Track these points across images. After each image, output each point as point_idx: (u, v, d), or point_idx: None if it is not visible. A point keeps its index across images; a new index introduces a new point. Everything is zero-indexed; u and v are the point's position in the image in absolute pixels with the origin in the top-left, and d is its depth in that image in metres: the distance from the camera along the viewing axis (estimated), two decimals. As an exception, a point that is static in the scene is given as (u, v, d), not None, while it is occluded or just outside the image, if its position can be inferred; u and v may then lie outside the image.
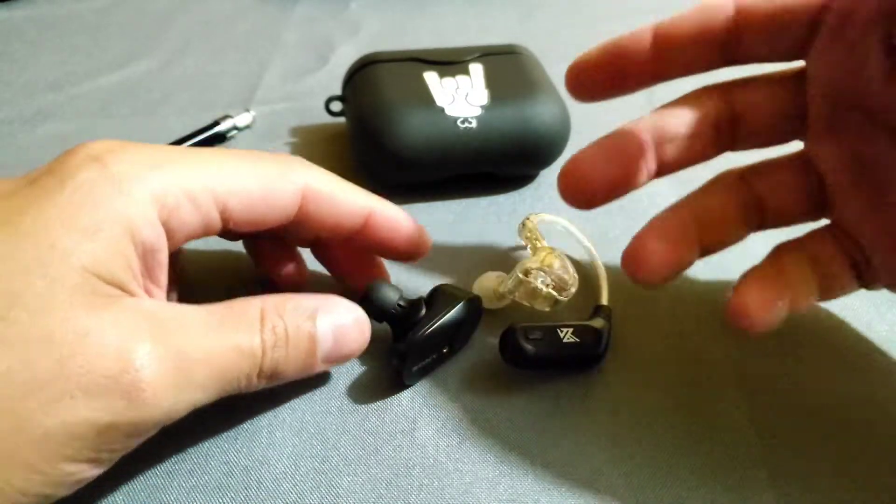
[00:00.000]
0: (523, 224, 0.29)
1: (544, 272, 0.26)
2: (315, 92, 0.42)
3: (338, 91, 0.36)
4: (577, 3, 0.55)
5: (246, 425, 0.23)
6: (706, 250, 0.25)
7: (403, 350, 0.24)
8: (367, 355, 0.25)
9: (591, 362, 0.26)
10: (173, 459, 0.22)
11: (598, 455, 0.23)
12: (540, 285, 0.26)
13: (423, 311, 0.24)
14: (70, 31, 0.48)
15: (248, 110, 0.39)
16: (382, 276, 0.27)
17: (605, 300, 0.27)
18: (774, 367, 0.26)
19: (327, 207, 0.23)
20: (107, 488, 0.21)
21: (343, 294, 0.23)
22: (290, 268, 0.27)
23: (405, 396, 0.25)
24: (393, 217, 0.25)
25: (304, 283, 0.27)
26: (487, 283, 0.27)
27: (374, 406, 0.24)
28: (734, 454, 0.23)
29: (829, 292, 0.25)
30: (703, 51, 0.24)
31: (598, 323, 0.26)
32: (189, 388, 0.19)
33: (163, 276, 0.20)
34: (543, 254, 0.27)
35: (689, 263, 0.24)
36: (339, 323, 0.22)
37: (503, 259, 0.31)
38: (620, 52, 0.24)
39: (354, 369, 0.26)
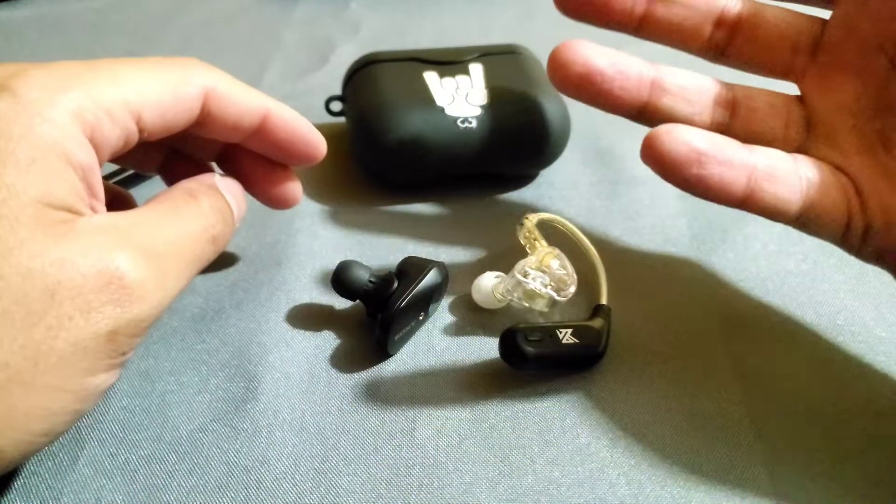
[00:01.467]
0: (522, 224, 0.29)
1: (542, 272, 0.26)
2: (315, 92, 0.42)
3: (338, 91, 0.36)
4: (578, 2, 0.55)
5: (246, 425, 0.23)
6: None
7: (386, 321, 0.24)
8: (344, 331, 0.27)
9: (590, 362, 0.26)
10: (173, 459, 0.22)
11: (598, 455, 0.23)
12: (538, 286, 0.26)
13: (396, 284, 0.25)
14: (70, 32, 0.48)
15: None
16: (294, 184, 0.28)
17: (604, 299, 0.27)
18: (774, 367, 0.26)
19: (227, 105, 0.23)
20: (107, 488, 0.22)
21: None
22: (287, 187, 0.28)
23: (405, 396, 0.25)
24: (288, 117, 0.26)
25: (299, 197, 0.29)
26: (486, 284, 0.27)
27: (373, 405, 0.24)
28: (734, 454, 0.23)
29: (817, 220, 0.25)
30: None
31: (597, 323, 0.26)
32: (169, 278, 0.20)
33: (101, 191, 0.21)
34: (542, 254, 0.27)
35: None
36: (231, 188, 0.25)
37: (503, 259, 0.31)
38: None
39: (336, 344, 0.26)
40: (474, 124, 0.32)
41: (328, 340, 0.27)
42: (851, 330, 0.28)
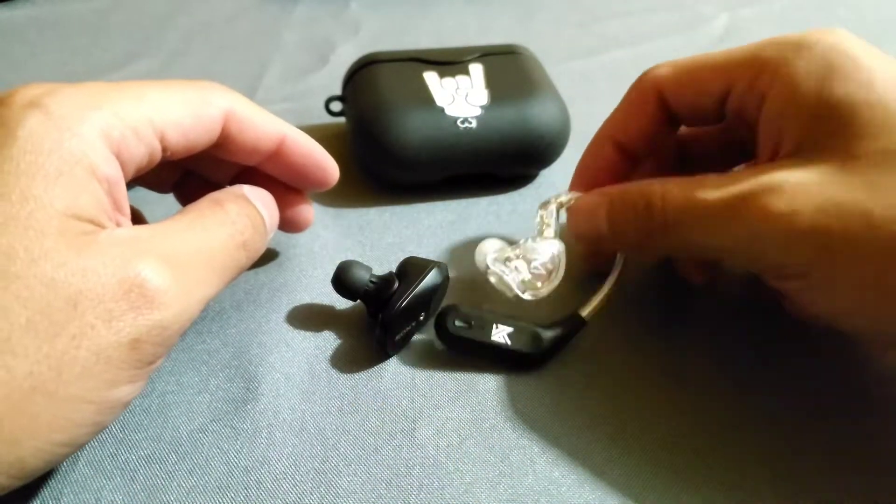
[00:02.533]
0: (543, 205, 0.28)
1: (519, 264, 0.26)
2: (315, 92, 0.42)
3: (338, 91, 0.36)
4: (577, 3, 0.55)
5: (246, 426, 0.23)
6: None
7: (387, 321, 0.24)
8: (344, 332, 0.27)
9: (521, 365, 0.26)
10: (173, 460, 0.22)
11: (598, 455, 0.23)
12: (506, 278, 0.26)
13: (397, 285, 0.25)
14: (70, 32, 0.48)
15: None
16: (304, 207, 0.29)
17: (585, 312, 0.26)
18: (775, 367, 0.26)
19: (246, 128, 0.24)
20: (107, 488, 0.22)
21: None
22: (300, 210, 0.29)
23: (405, 397, 0.25)
24: (304, 142, 0.26)
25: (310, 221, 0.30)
26: (484, 249, 0.27)
27: (373, 405, 0.24)
28: (734, 454, 0.23)
29: None
30: (651, 128, 0.27)
31: (551, 332, 0.26)
32: (194, 285, 0.20)
33: (126, 205, 0.21)
34: (539, 244, 0.27)
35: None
36: (261, 197, 0.25)
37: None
38: (594, 166, 0.29)
39: (336, 345, 0.26)
40: (474, 124, 0.32)
41: (328, 341, 0.27)
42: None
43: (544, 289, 0.26)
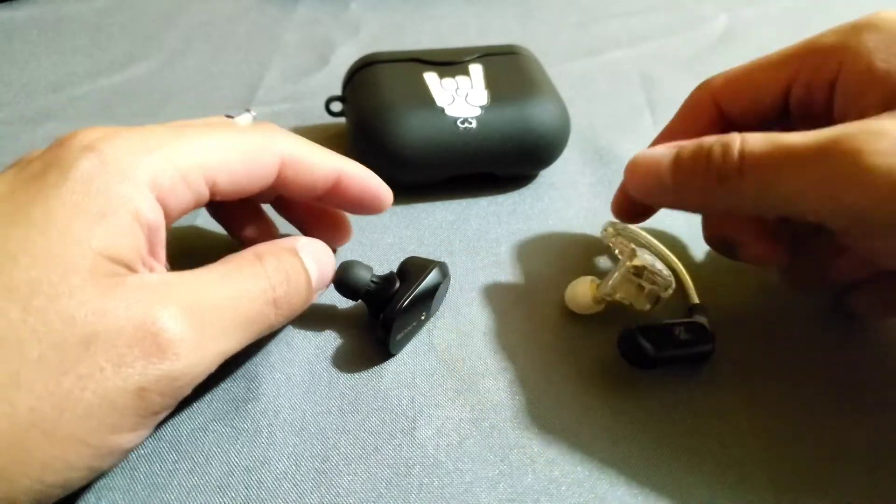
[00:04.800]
0: (608, 231, 0.29)
1: (642, 273, 0.26)
2: (315, 92, 0.42)
3: (338, 91, 0.36)
4: (577, 3, 0.55)
5: (246, 425, 0.24)
6: None
7: (389, 320, 0.24)
8: (345, 331, 0.27)
9: (702, 359, 0.26)
10: (173, 459, 0.22)
11: (598, 455, 0.23)
12: (644, 283, 0.26)
13: (398, 284, 0.25)
14: (71, 32, 0.48)
15: (248, 111, 0.39)
16: (344, 226, 0.29)
17: (695, 299, 0.28)
18: (775, 368, 0.26)
19: (303, 171, 0.24)
20: (107, 487, 0.22)
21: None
22: (258, 228, 0.29)
23: (405, 396, 0.25)
24: (360, 175, 0.26)
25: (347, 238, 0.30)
26: (583, 289, 0.27)
27: (373, 405, 0.24)
28: (734, 454, 0.23)
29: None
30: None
31: (701, 320, 0.26)
32: (212, 338, 0.20)
33: (162, 252, 0.21)
34: (638, 254, 0.26)
35: None
36: (314, 252, 0.24)
37: (503, 259, 0.31)
38: (648, 177, 0.25)
39: (336, 344, 0.26)
40: (474, 125, 0.32)
41: (329, 340, 0.27)
42: (852, 333, 0.28)
43: (672, 286, 0.27)
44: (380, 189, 0.27)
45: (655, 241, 0.30)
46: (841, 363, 0.26)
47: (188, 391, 0.20)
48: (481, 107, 0.33)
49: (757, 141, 0.21)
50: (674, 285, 0.26)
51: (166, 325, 0.18)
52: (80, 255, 0.18)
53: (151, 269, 0.20)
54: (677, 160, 0.23)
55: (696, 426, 0.24)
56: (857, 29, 0.22)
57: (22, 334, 0.17)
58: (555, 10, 0.54)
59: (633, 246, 0.28)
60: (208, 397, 0.24)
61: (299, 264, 0.23)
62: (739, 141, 0.21)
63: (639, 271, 0.26)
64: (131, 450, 0.19)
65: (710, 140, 0.22)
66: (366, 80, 0.34)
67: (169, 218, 0.21)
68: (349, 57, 0.40)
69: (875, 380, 0.26)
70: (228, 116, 0.38)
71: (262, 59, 0.46)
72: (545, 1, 0.55)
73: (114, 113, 0.40)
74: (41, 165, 0.19)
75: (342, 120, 0.37)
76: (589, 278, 0.27)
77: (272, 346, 0.26)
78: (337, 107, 0.37)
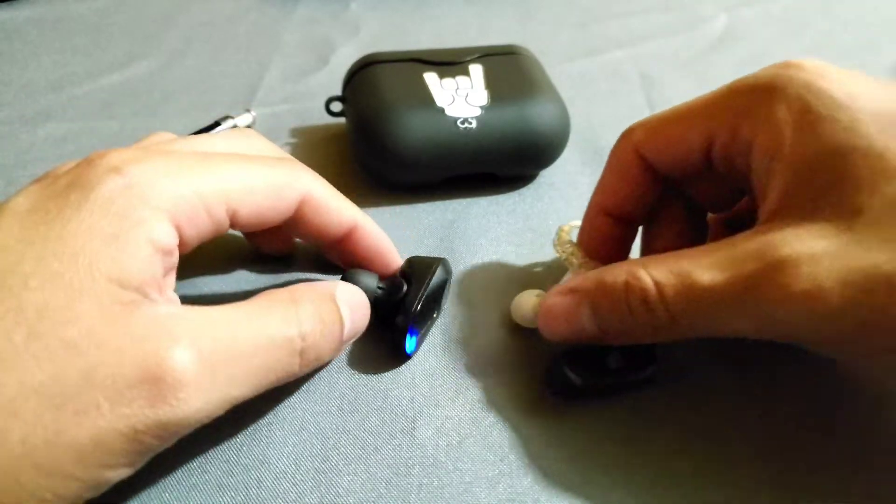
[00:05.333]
0: (557, 236, 0.28)
1: None
2: (315, 92, 0.42)
3: (338, 91, 0.37)
4: (577, 3, 0.55)
5: (246, 424, 0.24)
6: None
7: (407, 324, 0.24)
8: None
9: (641, 386, 0.25)
10: (173, 458, 0.22)
11: (598, 455, 0.23)
12: None
13: (405, 287, 0.25)
14: (71, 32, 0.48)
15: (248, 111, 0.39)
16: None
17: None
18: (775, 369, 0.26)
19: (321, 213, 0.24)
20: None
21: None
22: (278, 239, 0.29)
23: (405, 396, 0.25)
24: (373, 232, 0.26)
25: (293, 252, 0.30)
26: (527, 302, 0.26)
27: (373, 405, 0.24)
28: (734, 454, 0.23)
29: None
30: (640, 191, 0.26)
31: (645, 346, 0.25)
32: (223, 384, 0.19)
33: (173, 278, 0.21)
34: (583, 269, 0.26)
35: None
36: (351, 300, 0.23)
37: (503, 259, 0.31)
38: (592, 240, 0.27)
39: (347, 350, 0.26)
40: (474, 125, 0.32)
41: (328, 340, 0.27)
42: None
43: None
44: (390, 250, 0.27)
45: None
46: (802, 385, 0.26)
47: (186, 433, 0.19)
48: (481, 107, 0.33)
49: (673, 287, 0.20)
50: None
51: (173, 366, 0.17)
52: (88, 279, 0.17)
53: (165, 297, 0.20)
54: (598, 316, 0.22)
55: (695, 426, 0.24)
56: (768, 92, 0.21)
57: (24, 359, 0.16)
58: (555, 10, 0.54)
59: (576, 260, 0.26)
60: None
61: (336, 312, 0.22)
62: (655, 292, 0.21)
63: None
64: (119, 480, 0.18)
65: (619, 289, 0.22)
66: (366, 80, 0.34)
67: (184, 245, 0.21)
68: (349, 57, 0.40)
69: (782, 383, 0.26)
70: (228, 117, 0.38)
71: (262, 59, 0.46)
72: (545, 1, 0.55)
73: (114, 113, 0.40)
74: (66, 184, 0.19)
75: (342, 120, 0.37)
76: (535, 291, 0.27)
77: (272, 346, 0.26)
78: (337, 107, 0.37)
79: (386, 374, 0.26)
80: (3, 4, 0.50)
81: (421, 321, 0.25)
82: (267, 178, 0.22)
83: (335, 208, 0.25)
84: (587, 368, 0.23)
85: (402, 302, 0.25)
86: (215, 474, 0.22)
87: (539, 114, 0.33)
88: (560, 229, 0.28)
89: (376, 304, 0.25)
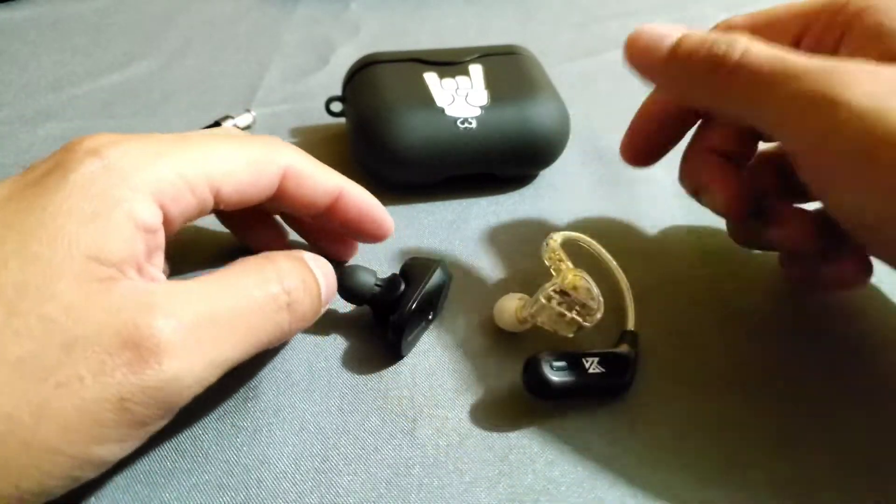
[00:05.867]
0: (546, 244, 0.27)
1: (569, 296, 0.25)
2: (315, 92, 0.42)
3: (338, 91, 0.37)
4: (577, 3, 0.55)
5: (246, 424, 0.24)
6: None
7: (400, 323, 0.24)
8: (346, 331, 0.27)
9: (617, 392, 0.25)
10: (173, 458, 0.22)
11: (597, 455, 0.23)
12: (564, 311, 0.25)
13: (403, 286, 0.25)
14: (71, 32, 0.48)
15: (248, 111, 0.39)
16: (351, 241, 0.29)
17: (631, 325, 0.27)
18: (776, 372, 0.26)
19: (303, 185, 0.24)
20: (107, 487, 0.22)
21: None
22: (269, 235, 0.29)
23: (405, 397, 0.25)
24: (360, 197, 0.26)
25: (285, 248, 0.29)
26: (509, 306, 0.26)
27: (373, 405, 0.24)
28: (734, 454, 0.23)
29: None
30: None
31: (624, 349, 0.25)
32: (207, 346, 0.19)
33: (160, 259, 0.21)
34: (569, 276, 0.25)
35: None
36: (320, 263, 0.24)
37: (502, 258, 0.31)
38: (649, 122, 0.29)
39: (337, 344, 0.26)
40: (474, 125, 0.32)
41: (329, 340, 0.27)
42: (850, 336, 0.28)
43: (598, 313, 0.25)
44: (381, 213, 0.27)
45: (607, 257, 0.29)
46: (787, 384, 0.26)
47: (181, 403, 0.19)
48: (481, 107, 0.33)
49: (762, 48, 0.22)
50: (600, 314, 0.25)
51: (151, 332, 0.17)
52: (68, 257, 0.18)
53: (148, 276, 0.20)
54: (681, 40, 0.24)
55: (693, 426, 0.24)
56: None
57: (4, 336, 0.17)
58: (555, 10, 0.54)
59: (563, 266, 0.26)
60: (208, 395, 0.24)
61: (310, 272, 0.23)
62: (745, 41, 0.22)
63: (562, 297, 0.25)
64: (115, 460, 0.19)
65: (719, 33, 0.23)
66: (366, 80, 0.34)
67: (170, 224, 0.21)
68: (349, 57, 0.40)
69: (783, 384, 0.26)
70: (228, 117, 0.38)
71: (262, 59, 0.46)
72: (545, 1, 0.55)
73: (113, 112, 0.40)
74: (44, 169, 0.19)
75: (342, 120, 0.37)
76: (518, 295, 0.27)
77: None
78: (337, 107, 0.37)
79: (386, 374, 0.26)
80: (3, 4, 0.50)
81: (415, 320, 0.25)
82: (247, 154, 0.22)
83: (318, 177, 0.25)
84: (564, 369, 0.23)
85: (399, 300, 0.25)
86: (215, 474, 0.22)
87: (539, 114, 0.33)
88: (549, 237, 0.27)
89: (373, 301, 0.26)
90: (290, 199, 0.24)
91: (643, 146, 0.29)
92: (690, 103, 0.27)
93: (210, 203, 0.22)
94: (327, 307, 0.24)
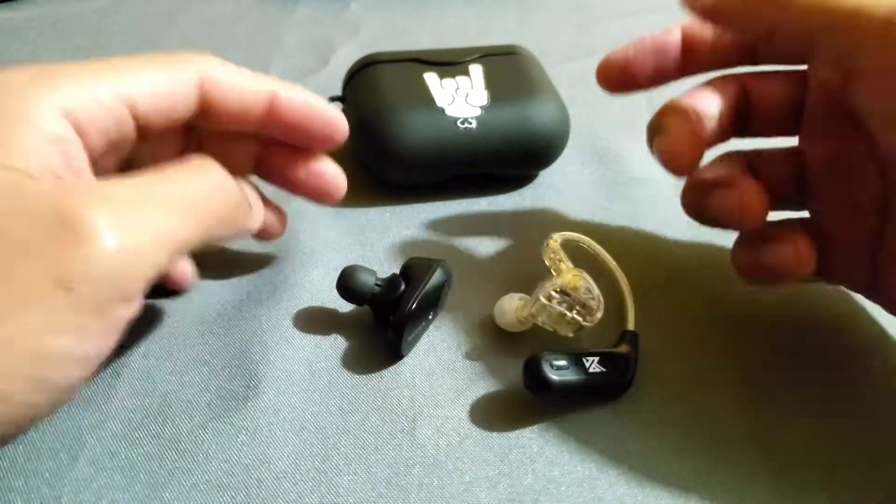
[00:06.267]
0: (546, 244, 0.27)
1: (569, 296, 0.25)
2: (315, 92, 0.42)
3: (338, 91, 0.37)
4: (577, 3, 0.55)
5: (246, 423, 0.24)
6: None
7: (400, 323, 0.24)
8: (346, 331, 0.27)
9: (617, 392, 0.25)
10: (173, 458, 0.22)
11: (597, 454, 0.23)
12: (564, 310, 0.25)
13: (403, 286, 0.25)
14: (71, 32, 0.48)
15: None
16: (331, 181, 0.28)
17: (631, 325, 0.27)
18: (777, 373, 0.26)
19: (227, 91, 0.23)
20: (108, 486, 0.22)
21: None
22: (270, 216, 0.28)
23: (405, 396, 0.25)
24: (298, 97, 0.25)
25: (284, 230, 0.29)
26: (509, 306, 0.26)
27: (373, 405, 0.24)
28: (734, 454, 0.23)
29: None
30: (729, 52, 0.26)
31: (624, 349, 0.25)
32: (145, 224, 0.18)
33: (84, 169, 0.20)
34: (568, 276, 0.25)
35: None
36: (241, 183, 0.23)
37: (502, 258, 0.31)
38: (653, 48, 0.27)
39: (337, 344, 0.26)
40: (474, 125, 0.32)
41: (329, 339, 0.27)
42: (851, 338, 0.28)
43: (598, 312, 0.25)
44: (324, 109, 0.26)
45: (607, 257, 0.29)
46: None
47: (136, 283, 0.18)
48: (481, 107, 0.33)
49: None
50: (600, 314, 0.25)
51: (79, 209, 0.17)
52: None
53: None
54: None
55: (694, 426, 0.24)
56: None
57: None
58: (555, 10, 0.54)
59: (563, 265, 0.26)
60: (208, 395, 0.24)
61: (228, 176, 0.22)
62: None
63: (562, 296, 0.25)
64: (80, 372, 0.17)
65: None
66: (366, 80, 0.34)
67: (91, 140, 0.20)
68: (349, 57, 0.40)
69: (783, 385, 0.26)
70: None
71: (262, 59, 0.46)
72: (545, 1, 0.55)
73: (114, 113, 0.40)
74: None
75: (342, 120, 0.37)
76: (518, 295, 0.27)
77: (272, 345, 0.26)
78: (337, 107, 0.37)
79: (386, 374, 0.26)
80: (3, 4, 0.50)
81: (416, 320, 0.25)
82: (156, 65, 0.22)
83: (243, 83, 0.24)
84: (564, 368, 0.23)
85: (399, 300, 0.25)
86: (215, 474, 0.22)
87: (539, 114, 0.33)
88: (549, 237, 0.28)
89: (373, 301, 0.26)
90: (217, 110, 0.23)
91: (640, 73, 0.27)
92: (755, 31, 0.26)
93: (127, 118, 0.21)
94: (257, 222, 0.24)
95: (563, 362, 0.23)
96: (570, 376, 0.23)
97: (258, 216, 0.25)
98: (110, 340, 0.18)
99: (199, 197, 0.21)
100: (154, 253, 0.18)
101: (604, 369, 0.24)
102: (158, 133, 0.23)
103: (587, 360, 0.24)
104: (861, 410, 0.25)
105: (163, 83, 0.22)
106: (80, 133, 0.20)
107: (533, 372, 0.23)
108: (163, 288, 0.27)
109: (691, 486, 0.22)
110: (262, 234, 0.28)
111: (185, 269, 0.27)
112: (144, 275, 0.18)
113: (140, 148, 0.23)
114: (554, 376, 0.23)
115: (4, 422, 0.16)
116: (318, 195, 0.28)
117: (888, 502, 0.22)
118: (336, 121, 0.26)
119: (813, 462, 0.23)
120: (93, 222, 0.17)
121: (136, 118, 0.21)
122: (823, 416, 0.25)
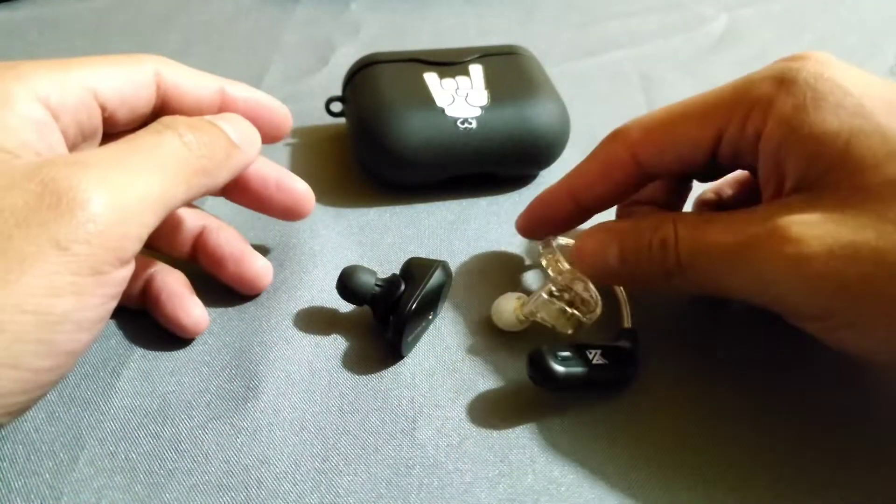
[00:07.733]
0: (544, 245, 0.28)
1: (569, 293, 0.25)
2: (315, 93, 0.42)
3: (338, 92, 0.37)
4: (577, 3, 0.55)
5: (246, 424, 0.24)
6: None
7: (400, 323, 0.24)
8: (346, 332, 0.27)
9: (620, 384, 0.25)
10: (173, 458, 0.22)
11: (597, 455, 0.23)
12: (565, 306, 0.25)
13: (403, 286, 0.25)
14: (71, 32, 0.48)
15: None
16: (301, 197, 0.28)
17: (627, 323, 0.27)
18: (777, 371, 0.26)
19: (182, 83, 0.25)
20: (108, 487, 0.22)
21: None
22: (292, 196, 0.28)
23: (405, 396, 0.25)
24: (244, 90, 0.27)
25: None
26: (506, 306, 0.26)
27: (373, 405, 0.24)
28: (734, 454, 0.23)
29: None
30: (619, 191, 0.26)
31: (625, 344, 0.25)
32: (127, 182, 0.19)
33: (61, 149, 0.22)
34: (569, 275, 0.26)
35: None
36: (229, 117, 0.24)
37: (502, 258, 0.31)
38: (549, 216, 0.28)
39: (337, 344, 0.26)
40: (474, 125, 0.32)
41: (329, 340, 0.27)
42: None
43: (598, 309, 0.25)
44: (270, 102, 0.27)
45: None
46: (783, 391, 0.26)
47: (130, 244, 0.19)
48: (481, 107, 0.33)
49: (687, 238, 0.23)
50: (599, 311, 0.25)
51: (63, 176, 0.18)
52: None
53: None
54: (623, 250, 0.24)
55: (693, 426, 0.24)
56: (779, 81, 0.22)
57: None
58: (555, 10, 0.54)
59: (561, 265, 0.27)
60: (208, 396, 0.24)
61: (206, 122, 0.23)
62: (673, 236, 0.23)
63: (561, 293, 0.25)
64: (89, 325, 0.19)
65: (648, 233, 0.24)
66: (366, 80, 0.34)
67: (63, 123, 0.22)
68: (349, 57, 0.40)
69: (783, 386, 0.26)
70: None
71: (262, 59, 0.46)
72: (545, 1, 0.55)
73: (114, 113, 0.40)
74: None
75: (342, 120, 0.37)
76: (515, 295, 0.27)
77: (272, 345, 0.26)
78: (337, 107, 0.37)
79: (386, 374, 0.26)
80: (3, 4, 0.50)
81: (416, 320, 0.25)
82: (115, 60, 0.24)
83: (196, 79, 0.26)
84: (569, 360, 0.24)
85: (399, 300, 0.25)
86: (215, 474, 0.22)
87: (539, 114, 0.33)
88: (547, 238, 0.28)
89: (373, 301, 0.26)
90: (175, 105, 0.25)
91: (539, 226, 0.29)
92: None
93: (94, 107, 0.23)
94: (252, 154, 0.25)
95: (567, 353, 0.24)
96: (574, 367, 0.23)
97: (251, 148, 0.25)
98: (109, 303, 0.19)
99: (172, 154, 0.21)
100: (141, 212, 0.19)
101: (606, 362, 0.24)
102: (125, 126, 0.24)
103: (590, 353, 0.24)
104: (861, 413, 0.25)
105: (123, 76, 0.24)
106: (55, 118, 0.21)
107: (538, 363, 0.23)
108: None
109: (691, 486, 0.22)
110: (291, 214, 0.29)
111: (258, 264, 0.28)
112: (135, 234, 0.19)
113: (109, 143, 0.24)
114: (559, 367, 0.23)
115: (16, 390, 0.17)
116: (284, 213, 0.28)
117: None
118: (281, 111, 0.28)
119: (813, 462, 0.23)
120: (81, 187, 0.18)
121: (102, 107, 0.23)
122: (823, 417, 0.25)
